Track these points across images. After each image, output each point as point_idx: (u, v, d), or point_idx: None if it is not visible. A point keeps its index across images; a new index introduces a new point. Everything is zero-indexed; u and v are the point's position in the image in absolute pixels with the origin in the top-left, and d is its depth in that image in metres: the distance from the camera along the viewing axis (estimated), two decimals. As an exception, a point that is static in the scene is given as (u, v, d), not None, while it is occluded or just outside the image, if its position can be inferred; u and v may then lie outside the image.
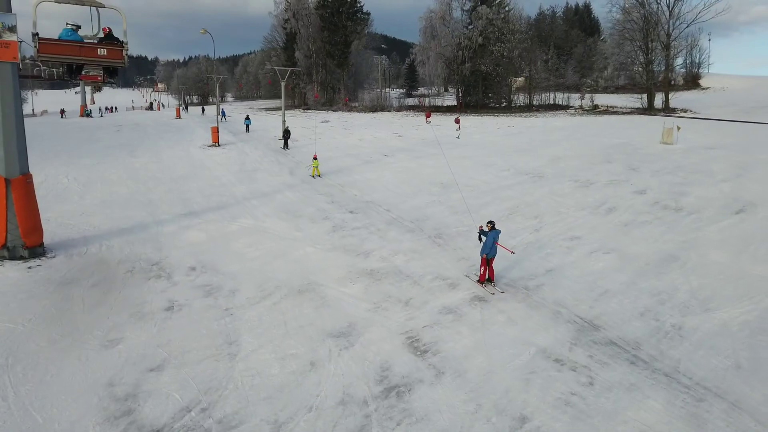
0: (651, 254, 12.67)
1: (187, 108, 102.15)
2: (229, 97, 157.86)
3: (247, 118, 49.01)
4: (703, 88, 79.43)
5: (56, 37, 11.58)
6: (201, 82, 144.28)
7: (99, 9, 11.72)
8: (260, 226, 16.70)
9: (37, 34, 10.79)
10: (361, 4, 76.46)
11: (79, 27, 12.15)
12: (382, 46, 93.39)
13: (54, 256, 13.87)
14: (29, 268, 12.98)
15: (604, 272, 11.86)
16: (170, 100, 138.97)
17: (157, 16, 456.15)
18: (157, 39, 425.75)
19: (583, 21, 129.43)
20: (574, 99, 59.52)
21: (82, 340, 9.62)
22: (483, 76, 61.58)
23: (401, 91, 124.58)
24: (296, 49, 78.73)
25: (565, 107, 58.94)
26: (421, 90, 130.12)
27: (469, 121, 49.56)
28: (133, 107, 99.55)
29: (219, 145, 33.69)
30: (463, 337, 9.36)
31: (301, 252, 14.17)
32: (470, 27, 60.70)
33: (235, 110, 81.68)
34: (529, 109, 60.03)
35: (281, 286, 11.91)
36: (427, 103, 67.14)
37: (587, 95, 59.47)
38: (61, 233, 16.15)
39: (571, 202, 17.37)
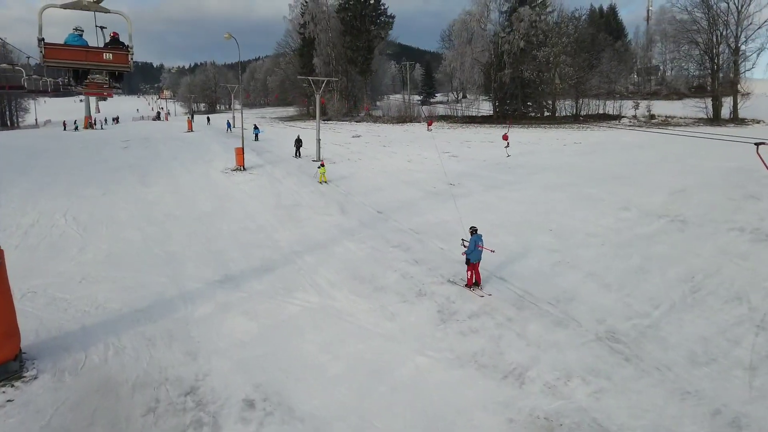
0: None
1: (192, 117, 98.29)
2: (236, 105, 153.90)
3: (256, 128, 48.57)
4: (745, 94, 72.60)
5: (62, 42, 11.05)
6: (209, 89, 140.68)
7: (104, 14, 11.25)
8: (330, 307, 12.00)
9: (43, 39, 10.17)
10: (386, 7, 72.24)
11: (83, 31, 11.68)
12: (388, 52, 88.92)
13: (35, 377, 9.26)
14: (-7, 408, 8.32)
15: None
16: (177, 108, 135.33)
17: (163, 22, 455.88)
18: (163, 45, 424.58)
19: (609, 24, 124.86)
20: (627, 107, 54.32)
21: None
22: (524, 84, 56.75)
23: (418, 98, 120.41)
24: (315, 55, 74.32)
25: (616, 117, 53.91)
26: (438, 96, 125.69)
27: (519, 134, 44.70)
28: (141, 117, 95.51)
29: (244, 168, 29.14)
30: None
31: (411, 366, 9.45)
32: (509, 30, 55.94)
33: (246, 120, 77.12)
34: (575, 119, 55.08)
35: (408, 455, 7.16)
36: (459, 114, 62.34)
37: (642, 103, 54.20)
38: (50, 320, 11.57)
39: None
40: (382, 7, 72.64)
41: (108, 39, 11.89)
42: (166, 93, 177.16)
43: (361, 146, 37.82)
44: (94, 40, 11.77)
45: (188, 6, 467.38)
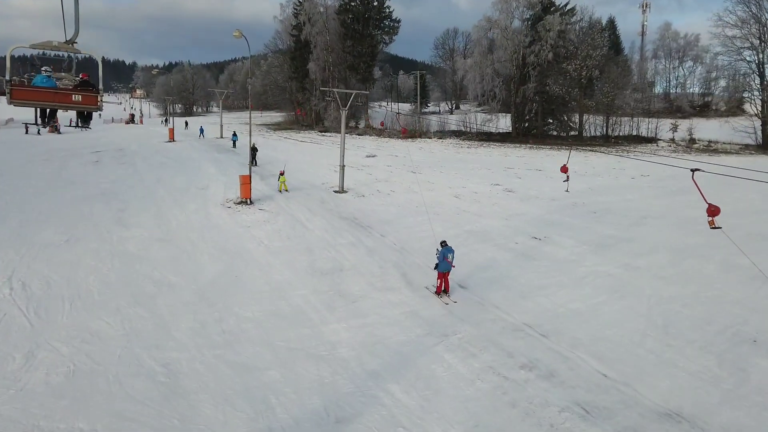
0: None
1: (166, 121, 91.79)
2: (214, 108, 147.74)
3: (234, 135, 47.71)
4: (752, 115, 68.69)
5: (31, 84, 11.31)
6: (186, 91, 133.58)
7: (75, 55, 11.70)
8: None
9: (11, 80, 10.18)
10: (391, 10, 66.87)
11: (52, 72, 12.37)
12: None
13: None
14: None
15: None
16: (151, 109, 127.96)
17: (138, 19, 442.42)
18: (137, 43, 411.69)
19: (609, 38, 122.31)
20: (663, 128, 49.63)
21: None
22: (549, 99, 51.97)
23: (411, 107, 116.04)
24: (310, 59, 68.44)
25: (651, 140, 49.51)
26: (431, 107, 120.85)
27: (556, 159, 39.60)
28: (112, 119, 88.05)
29: (251, 201, 23.28)
30: None
31: None
32: (531, 40, 51.13)
33: (230, 126, 70.38)
34: (606, 141, 50.50)
35: None
36: (474, 129, 56.93)
37: (680, 123, 49.58)
38: None
39: None
40: (387, 10, 67.25)
41: (79, 77, 12.52)
42: (139, 92, 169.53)
43: (384, 171, 32.20)
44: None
45: (165, 4, 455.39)
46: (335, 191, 26.08)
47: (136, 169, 33.59)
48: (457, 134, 57.60)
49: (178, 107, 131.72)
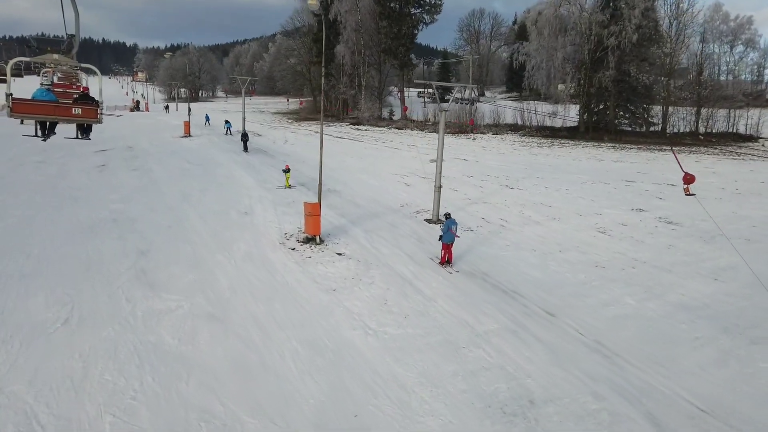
0: None
1: (168, 108, 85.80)
2: (219, 92, 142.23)
3: (227, 122, 48.79)
4: None
5: (30, 97, 11.33)
6: (191, 74, 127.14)
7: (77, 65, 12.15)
8: None
9: (11, 94, 10.59)
10: (433, -15, 59.50)
11: (51, 85, 12.82)
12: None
13: None
14: None
15: None
16: (155, 94, 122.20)
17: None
18: (137, 25, 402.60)
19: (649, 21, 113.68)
20: (765, 122, 42.62)
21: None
22: (631, 89, 44.97)
23: (429, 95, 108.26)
24: (340, 41, 61.41)
25: (749, 138, 42.64)
26: (454, 93, 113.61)
27: (649, 163, 32.86)
28: (116, 106, 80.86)
29: (322, 240, 16.86)
30: None
31: None
32: (610, 19, 44.11)
33: (242, 115, 63.47)
34: (694, 138, 43.64)
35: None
36: (535, 123, 49.83)
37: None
38: None
39: None
40: (428, -14, 59.94)
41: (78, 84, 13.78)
42: (141, 75, 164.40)
43: (469, 185, 25.58)
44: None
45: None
46: (427, 220, 19.61)
47: (152, 178, 27.22)
48: (513, 128, 50.73)
49: (183, 92, 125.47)
